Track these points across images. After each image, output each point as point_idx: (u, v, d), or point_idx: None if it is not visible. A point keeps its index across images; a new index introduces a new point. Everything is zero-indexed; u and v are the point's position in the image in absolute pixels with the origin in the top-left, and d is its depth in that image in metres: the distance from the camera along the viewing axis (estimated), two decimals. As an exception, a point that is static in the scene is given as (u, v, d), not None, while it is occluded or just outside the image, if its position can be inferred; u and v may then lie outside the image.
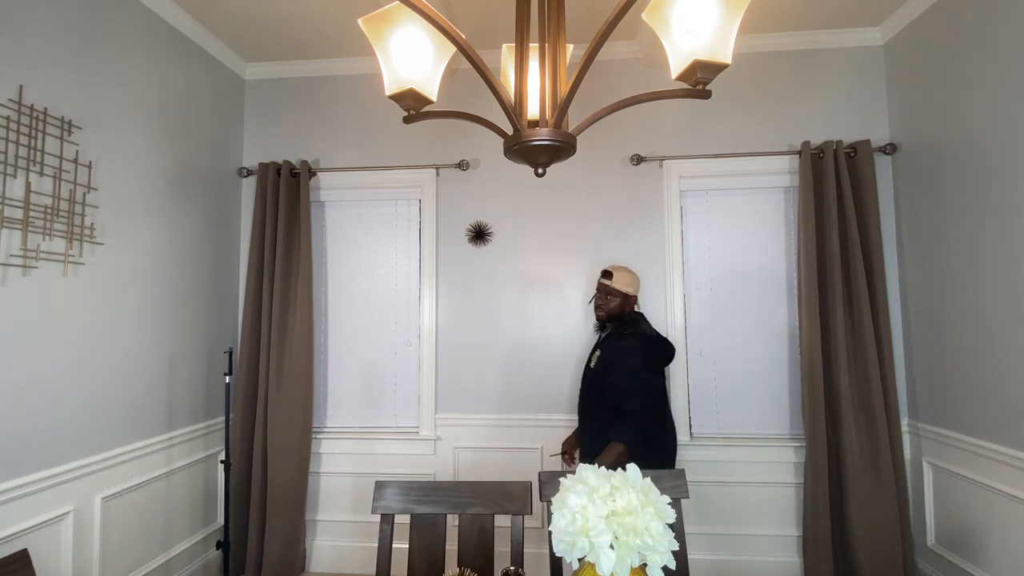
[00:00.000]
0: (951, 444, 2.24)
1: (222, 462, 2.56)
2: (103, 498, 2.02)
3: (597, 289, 2.20)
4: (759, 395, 2.68)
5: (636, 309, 2.17)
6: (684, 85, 1.00)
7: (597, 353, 2.15)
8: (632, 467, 1.03)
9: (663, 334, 2.49)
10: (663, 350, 2.10)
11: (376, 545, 2.78)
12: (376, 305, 2.92)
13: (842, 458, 2.41)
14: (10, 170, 1.70)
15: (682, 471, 1.56)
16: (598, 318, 2.18)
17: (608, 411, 2.01)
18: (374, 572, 2.76)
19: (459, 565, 1.46)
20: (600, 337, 2.24)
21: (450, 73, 2.89)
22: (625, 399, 1.95)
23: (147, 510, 2.26)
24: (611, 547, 0.90)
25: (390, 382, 2.89)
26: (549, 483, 1.53)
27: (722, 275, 2.74)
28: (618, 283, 2.12)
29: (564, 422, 2.72)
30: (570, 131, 1.06)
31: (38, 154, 1.79)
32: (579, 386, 2.34)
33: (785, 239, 2.71)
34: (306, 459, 2.70)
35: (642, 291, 2.73)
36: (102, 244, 2.05)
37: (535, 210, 2.81)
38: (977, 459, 2.11)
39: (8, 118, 1.69)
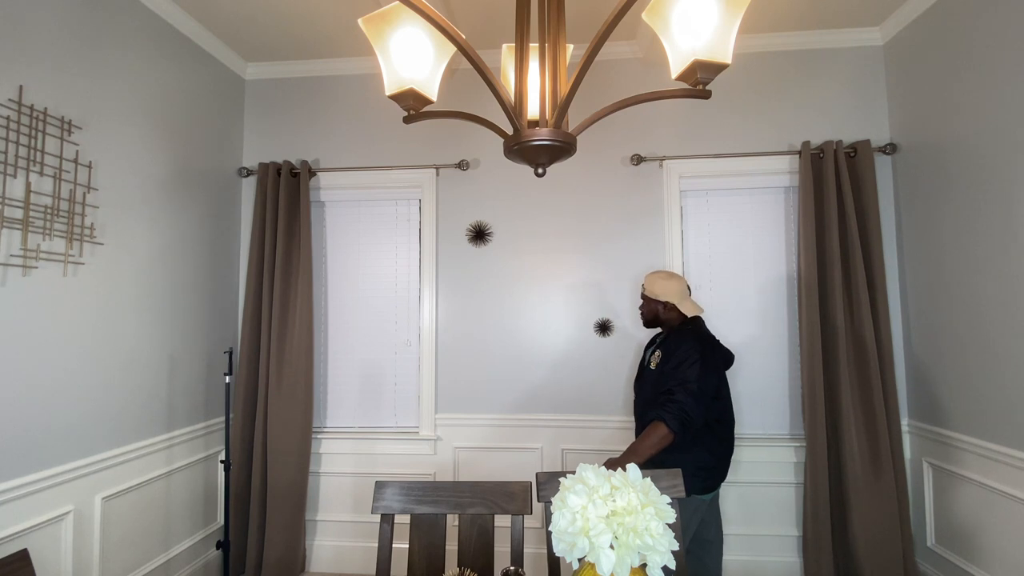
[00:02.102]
0: (951, 444, 2.24)
1: (222, 462, 2.56)
2: (103, 498, 2.02)
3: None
4: (759, 395, 2.68)
5: (689, 315, 2.10)
6: (684, 85, 1.00)
7: (657, 353, 2.09)
8: (632, 467, 1.02)
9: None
10: (722, 351, 2.12)
11: (376, 545, 2.78)
12: (376, 305, 2.92)
13: (842, 458, 2.41)
14: (10, 170, 1.70)
15: (680, 471, 1.56)
16: (643, 324, 2.22)
17: None
18: (374, 572, 2.76)
19: (459, 565, 1.46)
20: (659, 339, 2.19)
21: (450, 73, 2.89)
22: (671, 389, 1.91)
23: (147, 510, 2.26)
24: (611, 547, 0.90)
25: (390, 382, 2.89)
26: (547, 483, 1.53)
27: (722, 275, 2.73)
28: (647, 288, 2.14)
29: (564, 422, 2.72)
30: (570, 131, 1.06)
31: (38, 154, 1.79)
32: (632, 391, 2.28)
33: (785, 239, 2.71)
34: (306, 459, 2.70)
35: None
36: (102, 244, 2.05)
37: (535, 210, 2.81)
38: (977, 459, 2.11)
39: (8, 118, 1.69)
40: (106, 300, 2.06)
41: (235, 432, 2.69)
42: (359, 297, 2.93)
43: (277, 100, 2.98)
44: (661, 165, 2.75)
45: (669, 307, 2.12)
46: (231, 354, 2.46)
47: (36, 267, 1.78)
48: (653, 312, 2.15)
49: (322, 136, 2.95)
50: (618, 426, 2.69)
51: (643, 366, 2.20)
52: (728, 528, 2.62)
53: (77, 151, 1.95)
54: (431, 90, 1.11)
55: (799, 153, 2.58)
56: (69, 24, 1.92)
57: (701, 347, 1.97)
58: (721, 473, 2.01)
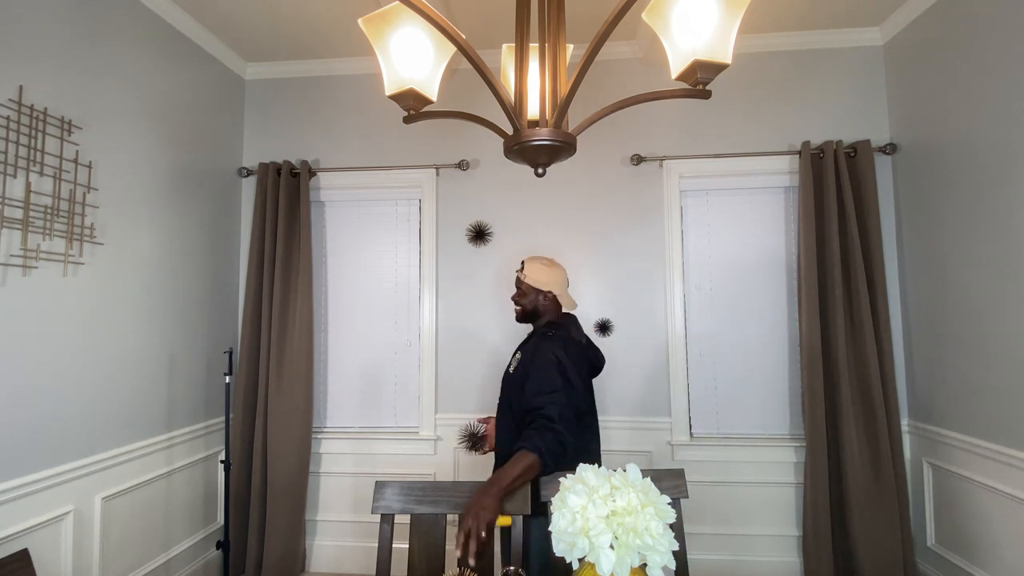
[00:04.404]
0: (951, 444, 2.24)
1: (222, 462, 2.56)
2: (103, 498, 2.02)
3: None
4: (759, 395, 2.68)
5: (564, 310, 1.86)
6: (684, 85, 1.00)
7: (517, 355, 1.84)
8: (632, 467, 1.02)
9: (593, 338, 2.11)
10: (589, 358, 1.86)
11: (376, 545, 2.78)
12: (376, 305, 2.92)
13: (842, 458, 2.41)
14: (10, 170, 1.70)
15: (681, 471, 1.56)
16: (516, 317, 1.90)
17: (518, 420, 1.69)
18: (374, 572, 2.76)
19: (459, 565, 1.46)
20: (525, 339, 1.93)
21: (450, 73, 2.89)
22: (541, 407, 1.60)
23: (147, 510, 2.26)
24: (611, 547, 0.90)
25: (390, 382, 2.89)
26: (548, 483, 1.53)
27: (722, 275, 2.73)
28: (528, 276, 1.82)
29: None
30: (570, 131, 1.06)
31: (38, 154, 1.79)
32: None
33: (785, 239, 2.71)
34: (306, 459, 2.70)
35: (642, 290, 2.72)
36: (102, 244, 2.05)
37: (535, 210, 2.81)
38: (977, 459, 2.11)
39: (8, 118, 1.69)
40: (106, 300, 2.06)
41: (235, 432, 2.69)
42: (359, 297, 2.93)
43: (277, 100, 2.98)
44: (661, 165, 2.75)
45: (549, 298, 1.84)
46: (231, 354, 2.46)
47: (36, 267, 1.78)
48: (533, 304, 1.84)
49: (322, 136, 2.95)
50: (619, 425, 2.69)
51: (506, 371, 1.87)
52: (728, 528, 2.62)
53: (77, 151, 1.95)
54: (431, 90, 1.11)
55: (799, 153, 2.58)
56: (69, 24, 1.92)
57: (566, 355, 1.68)
58: None
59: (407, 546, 2.71)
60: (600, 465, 1.52)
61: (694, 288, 2.75)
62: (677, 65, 0.98)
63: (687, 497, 1.54)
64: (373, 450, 2.82)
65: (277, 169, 2.80)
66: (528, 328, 2.10)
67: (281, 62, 2.94)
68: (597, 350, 1.98)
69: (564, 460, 1.54)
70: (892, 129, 2.61)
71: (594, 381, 1.99)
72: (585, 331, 1.97)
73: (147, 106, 2.28)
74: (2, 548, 1.63)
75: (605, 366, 2.33)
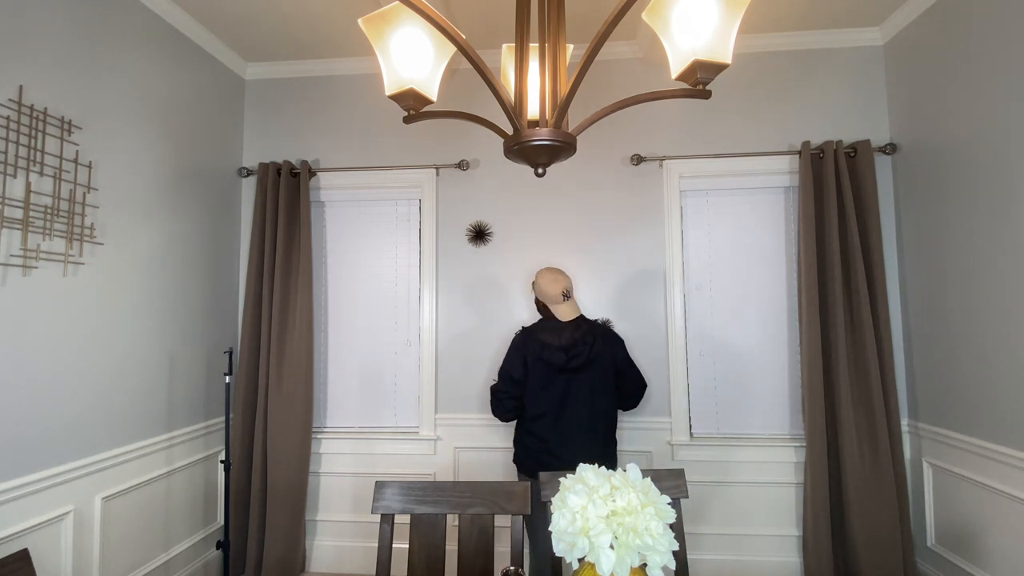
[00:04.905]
0: (951, 444, 2.24)
1: (222, 462, 2.56)
2: (103, 498, 2.02)
3: None
4: (759, 395, 2.68)
5: (547, 316, 2.23)
6: (684, 85, 1.00)
7: None
8: (632, 467, 1.03)
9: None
10: (549, 351, 2.12)
11: (376, 545, 2.78)
12: (376, 305, 2.92)
13: (842, 458, 2.41)
14: (10, 170, 1.70)
15: (681, 471, 1.56)
16: None
17: None
18: (374, 572, 2.76)
19: (459, 565, 1.46)
20: None
21: (450, 73, 2.89)
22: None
23: (147, 510, 2.26)
24: (611, 547, 0.90)
25: (390, 382, 2.89)
26: (548, 483, 1.53)
27: (722, 275, 2.73)
28: (535, 281, 2.30)
29: (564, 422, 2.71)
30: (570, 131, 1.06)
31: (38, 154, 1.79)
32: None
33: (785, 239, 2.71)
34: (306, 459, 2.70)
35: (642, 290, 2.73)
36: (102, 244, 2.05)
37: (535, 210, 2.81)
38: (977, 459, 2.11)
39: (8, 118, 1.69)
40: (106, 300, 2.06)
41: (235, 432, 2.69)
42: (359, 297, 2.93)
43: (277, 100, 2.98)
44: (661, 165, 2.75)
45: (541, 304, 2.29)
46: (231, 354, 2.46)
47: (36, 267, 1.78)
48: (536, 305, 2.33)
49: (322, 136, 2.95)
50: (619, 425, 2.69)
51: None
52: (728, 528, 2.62)
53: (77, 151, 1.95)
54: (431, 90, 1.11)
55: (799, 153, 2.58)
56: (69, 24, 1.92)
57: (515, 342, 2.19)
58: (540, 462, 2.08)
59: (407, 546, 2.73)
60: (546, 438, 2.03)
61: (694, 288, 2.75)
62: (677, 65, 0.98)
63: (687, 497, 1.54)
64: (373, 450, 2.82)
65: (277, 169, 2.81)
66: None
67: (281, 62, 2.94)
68: (562, 352, 2.11)
69: (494, 410, 2.19)
70: (892, 129, 2.61)
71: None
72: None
73: (147, 106, 2.28)
74: (2, 548, 1.64)
75: None
